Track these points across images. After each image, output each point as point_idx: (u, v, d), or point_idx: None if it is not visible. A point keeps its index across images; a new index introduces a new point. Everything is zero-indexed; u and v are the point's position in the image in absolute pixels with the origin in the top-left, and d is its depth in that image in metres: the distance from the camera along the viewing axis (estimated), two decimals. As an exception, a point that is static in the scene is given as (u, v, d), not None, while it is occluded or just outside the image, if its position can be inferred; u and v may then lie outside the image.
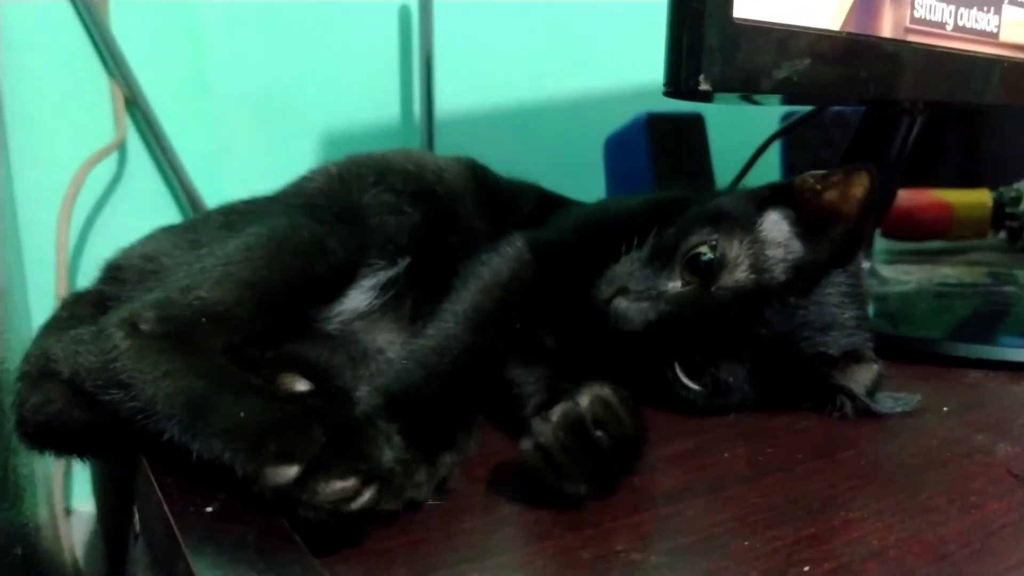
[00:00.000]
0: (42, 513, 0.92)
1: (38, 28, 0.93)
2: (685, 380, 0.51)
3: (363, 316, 0.55)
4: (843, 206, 0.50)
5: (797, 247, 0.51)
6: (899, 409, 0.51)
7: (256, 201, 0.60)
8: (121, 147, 0.96)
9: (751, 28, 0.46)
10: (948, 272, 0.90)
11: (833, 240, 0.51)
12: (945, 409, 0.53)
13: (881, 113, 0.76)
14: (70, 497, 0.99)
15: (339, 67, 1.09)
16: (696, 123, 1.14)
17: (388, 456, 0.36)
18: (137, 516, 0.45)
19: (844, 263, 0.51)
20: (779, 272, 0.50)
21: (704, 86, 0.45)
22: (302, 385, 0.47)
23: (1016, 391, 0.58)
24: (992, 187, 1.20)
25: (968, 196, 1.18)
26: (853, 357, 0.51)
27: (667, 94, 0.47)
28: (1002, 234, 1.20)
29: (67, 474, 0.98)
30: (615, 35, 1.27)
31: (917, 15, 0.54)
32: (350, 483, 0.34)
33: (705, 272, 0.50)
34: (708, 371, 0.50)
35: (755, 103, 0.56)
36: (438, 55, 1.11)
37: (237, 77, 1.02)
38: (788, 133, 1.16)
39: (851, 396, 0.51)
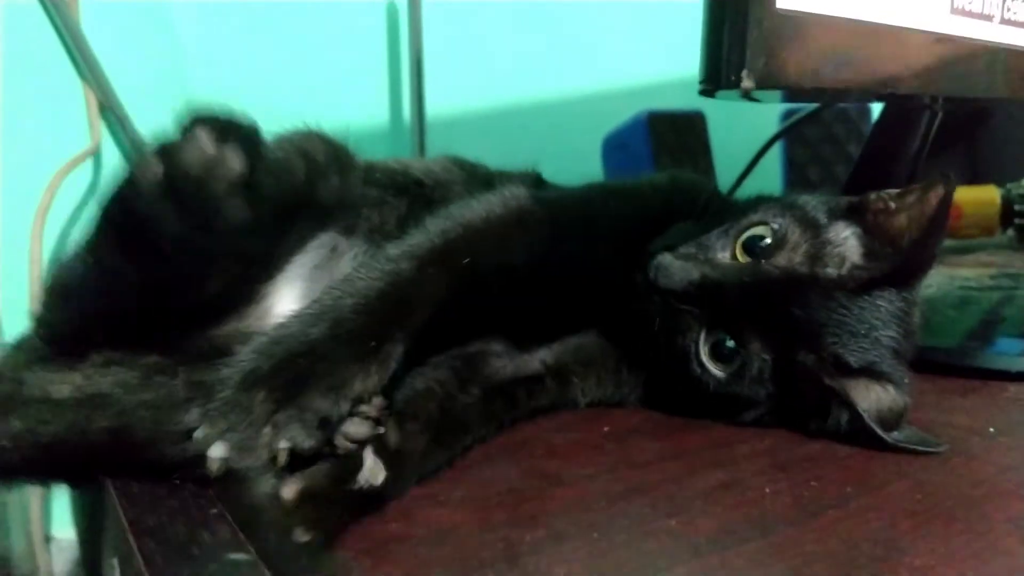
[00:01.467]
0: (19, 542, 0.87)
1: (5, 30, 0.87)
2: (706, 360, 0.48)
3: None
4: (914, 230, 0.48)
5: (858, 255, 0.49)
6: (919, 448, 0.46)
7: None
8: (96, 154, 0.91)
9: (797, 19, 0.43)
10: (967, 274, 0.86)
11: (896, 257, 0.48)
12: (992, 430, 0.50)
13: (901, 109, 0.72)
14: (49, 524, 0.94)
15: (324, 68, 1.04)
16: (697, 121, 1.11)
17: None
18: (117, 572, 0.41)
19: (902, 283, 0.48)
20: (833, 268, 0.48)
21: (747, 83, 0.41)
22: None
23: (1060, 406, 0.54)
24: (999, 183, 1.17)
25: (976, 193, 1.14)
26: (874, 375, 0.47)
27: (703, 92, 0.44)
28: (1010, 232, 1.17)
29: (46, 500, 0.93)
30: (606, 34, 1.24)
31: (960, 4, 0.51)
32: None
33: (761, 254, 0.48)
34: (734, 354, 0.48)
35: (755, 100, 0.53)
36: (427, 55, 1.07)
37: (216, 78, 0.98)
38: (791, 131, 1.12)
39: (850, 410, 0.46)
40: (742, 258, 0.49)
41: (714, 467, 0.45)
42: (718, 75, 0.42)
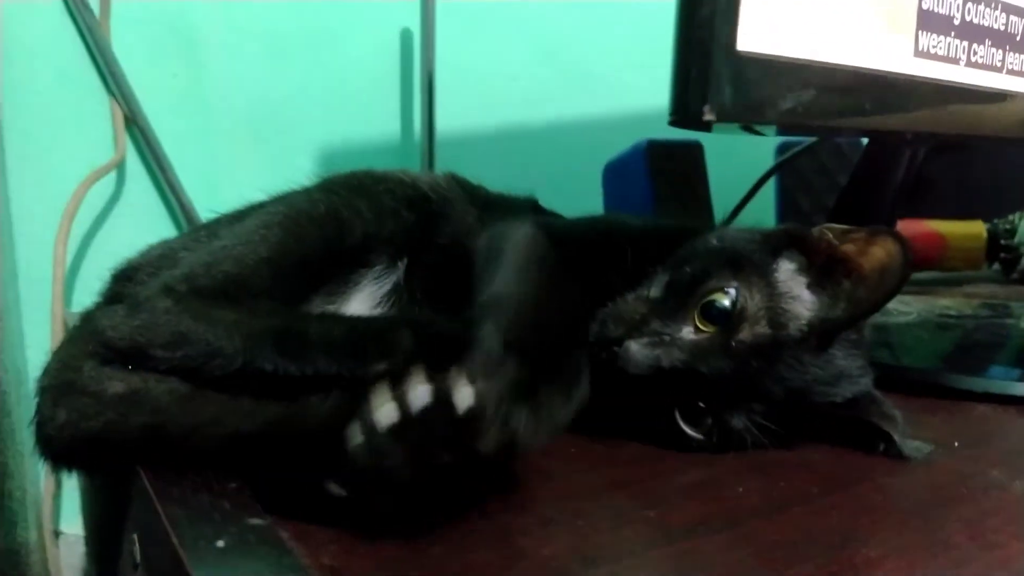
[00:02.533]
0: (32, 536, 0.90)
1: (39, 45, 0.92)
2: (686, 427, 0.50)
3: None
4: (861, 262, 0.49)
5: (812, 302, 0.50)
6: (919, 455, 0.50)
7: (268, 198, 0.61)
8: (120, 165, 0.95)
9: (755, 60, 0.46)
10: (947, 303, 0.90)
11: (849, 299, 0.49)
12: (956, 443, 0.53)
13: (883, 145, 0.76)
14: (58, 519, 0.98)
15: (339, 86, 1.09)
16: (695, 151, 1.14)
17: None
18: (137, 546, 0.44)
19: (858, 323, 0.50)
20: (794, 329, 0.49)
21: (709, 116, 0.45)
22: None
23: (1025, 425, 0.58)
24: (986, 219, 1.21)
25: (962, 228, 1.19)
26: (874, 404, 0.51)
27: (672, 123, 0.47)
28: (996, 266, 1.21)
29: (56, 496, 0.96)
30: (615, 61, 1.28)
31: (924, 47, 0.55)
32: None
33: (721, 320, 0.49)
34: (713, 419, 0.49)
35: (757, 133, 0.56)
36: (439, 77, 1.11)
37: (235, 94, 1.02)
38: (786, 165, 1.16)
39: (888, 441, 0.49)
40: (704, 327, 0.49)
41: (692, 467, 0.48)
42: (684, 109, 0.46)
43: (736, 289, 0.49)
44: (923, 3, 0.55)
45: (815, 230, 0.51)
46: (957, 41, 0.57)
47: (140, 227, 0.97)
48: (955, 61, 0.57)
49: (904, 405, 0.57)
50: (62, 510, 0.97)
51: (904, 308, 0.85)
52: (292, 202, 0.55)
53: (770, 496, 0.44)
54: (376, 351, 0.40)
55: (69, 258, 0.93)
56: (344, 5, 1.07)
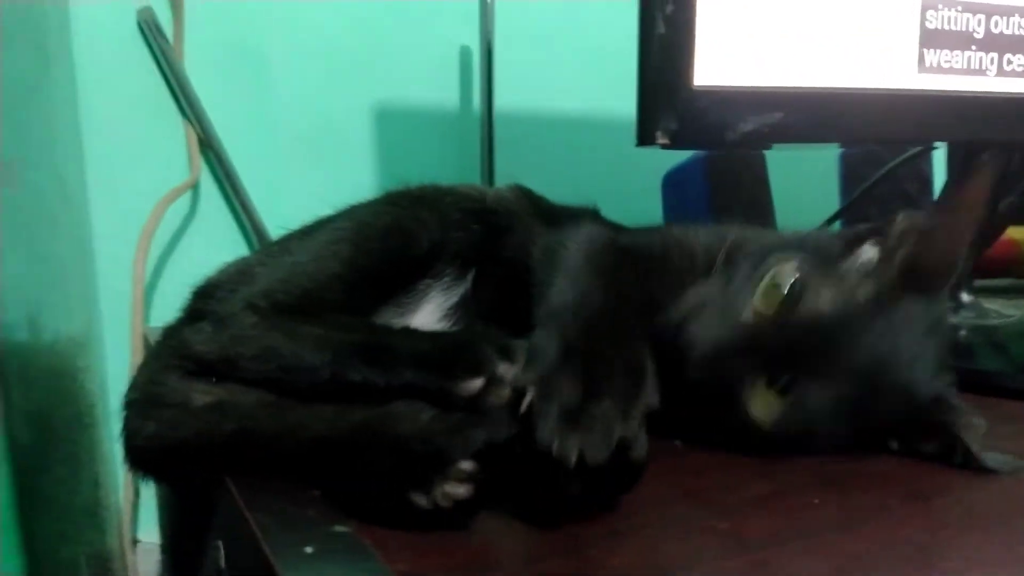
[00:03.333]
0: (113, 543, 0.93)
1: (115, 71, 0.97)
2: (754, 411, 0.48)
3: None
4: (938, 247, 0.49)
5: (878, 274, 0.49)
6: (1005, 468, 0.48)
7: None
8: (195, 186, 0.99)
9: (711, 92, 0.53)
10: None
11: (921, 271, 0.49)
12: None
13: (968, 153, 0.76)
14: (136, 528, 1.01)
15: (399, 102, 1.11)
16: (756, 159, 1.13)
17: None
18: (223, 552, 0.46)
19: (931, 292, 0.50)
20: (858, 301, 0.48)
21: (662, 141, 0.51)
22: None
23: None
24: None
25: (1037, 232, 1.15)
26: (954, 411, 0.49)
27: (637, 144, 0.54)
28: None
29: (135, 505, 0.99)
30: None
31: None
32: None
33: (784, 298, 0.48)
34: (783, 400, 0.47)
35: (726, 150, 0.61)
36: (499, 94, 1.12)
37: (299, 114, 1.05)
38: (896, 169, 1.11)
39: (965, 450, 0.48)
40: (768, 304, 0.48)
41: (761, 478, 0.47)
42: (644, 134, 0.52)
43: (796, 265, 0.48)
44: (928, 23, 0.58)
45: (893, 219, 0.51)
46: (983, 54, 0.60)
47: (214, 245, 1.00)
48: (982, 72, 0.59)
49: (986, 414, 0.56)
50: (140, 519, 1.01)
51: (1008, 311, 0.84)
52: (358, 216, 0.57)
53: (846, 508, 0.44)
54: (465, 366, 0.41)
55: (147, 276, 0.97)
56: (404, 23, 1.10)
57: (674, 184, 1.14)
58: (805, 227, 0.63)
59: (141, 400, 0.48)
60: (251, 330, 0.46)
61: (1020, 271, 1.14)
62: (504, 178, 1.13)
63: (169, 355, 0.48)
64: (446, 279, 0.57)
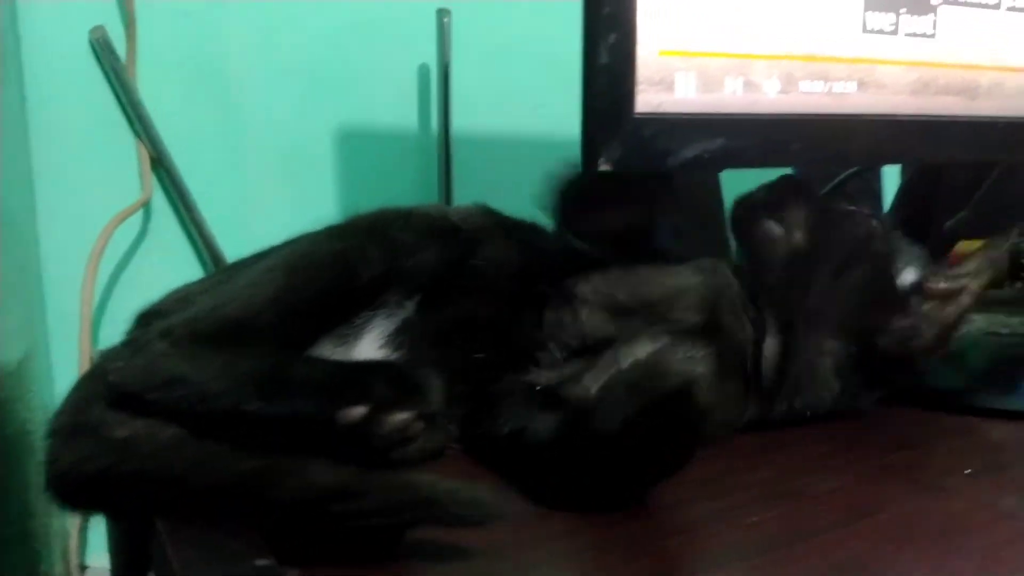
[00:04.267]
0: (58, 569, 0.91)
1: (65, 89, 0.95)
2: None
3: None
4: None
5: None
6: None
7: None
8: (147, 205, 0.98)
9: (653, 120, 0.55)
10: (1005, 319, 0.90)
11: None
12: (968, 471, 0.53)
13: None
14: (85, 553, 0.99)
15: (362, 123, 1.10)
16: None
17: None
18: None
19: None
20: None
21: (604, 167, 0.53)
22: None
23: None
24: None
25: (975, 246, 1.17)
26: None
27: (582, 171, 0.55)
28: (1018, 284, 1.20)
29: (82, 529, 0.97)
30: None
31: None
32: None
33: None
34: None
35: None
36: (457, 114, 1.12)
37: (263, 134, 1.04)
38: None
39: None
40: None
41: (707, 499, 0.48)
42: (587, 159, 0.54)
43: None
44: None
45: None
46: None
47: (167, 266, 0.99)
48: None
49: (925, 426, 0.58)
50: (89, 544, 0.98)
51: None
52: (302, 246, 0.56)
53: (788, 525, 0.44)
54: (350, 395, 0.43)
55: (97, 297, 0.95)
56: (364, 42, 1.09)
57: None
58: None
59: (66, 428, 0.46)
60: (160, 359, 0.44)
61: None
62: (463, 198, 1.14)
63: (96, 382, 0.47)
64: (388, 307, 0.56)
